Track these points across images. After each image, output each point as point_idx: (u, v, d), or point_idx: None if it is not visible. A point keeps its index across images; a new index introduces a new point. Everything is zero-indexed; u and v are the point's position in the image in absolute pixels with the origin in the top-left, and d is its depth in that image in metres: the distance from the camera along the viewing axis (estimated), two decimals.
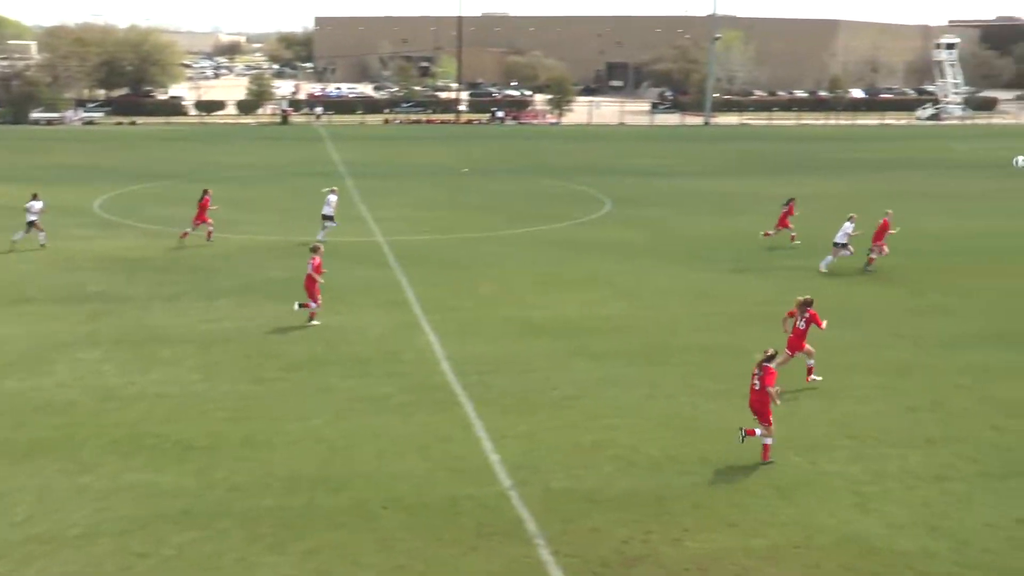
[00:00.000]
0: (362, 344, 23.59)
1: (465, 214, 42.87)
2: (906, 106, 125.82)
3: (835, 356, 22.79)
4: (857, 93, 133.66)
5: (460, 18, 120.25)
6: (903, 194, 50.98)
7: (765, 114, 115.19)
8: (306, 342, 23.67)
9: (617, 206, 45.55)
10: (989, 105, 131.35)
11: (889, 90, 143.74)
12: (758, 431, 17.23)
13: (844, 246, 32.45)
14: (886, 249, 32.86)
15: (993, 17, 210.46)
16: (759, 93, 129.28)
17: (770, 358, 17.28)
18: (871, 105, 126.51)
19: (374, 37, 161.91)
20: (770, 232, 37.17)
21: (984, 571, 13.83)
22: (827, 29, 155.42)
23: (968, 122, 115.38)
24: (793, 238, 36.66)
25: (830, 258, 32.53)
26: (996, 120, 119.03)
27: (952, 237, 38.92)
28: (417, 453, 17.30)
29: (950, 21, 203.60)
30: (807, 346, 21.06)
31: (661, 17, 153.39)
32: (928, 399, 20.35)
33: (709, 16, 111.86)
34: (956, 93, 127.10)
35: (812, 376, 21.25)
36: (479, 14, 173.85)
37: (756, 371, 17.23)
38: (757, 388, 17.16)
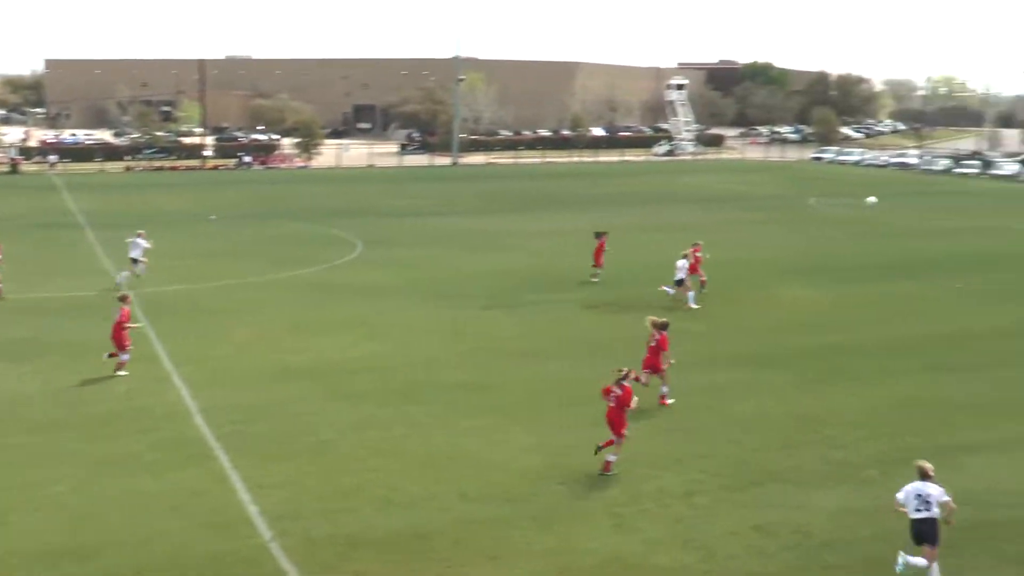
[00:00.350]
0: (108, 402, 22.48)
1: (216, 261, 41.73)
2: (644, 143, 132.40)
3: (588, 387, 23.62)
4: (598, 131, 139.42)
5: (202, 61, 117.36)
6: (640, 227, 53.53)
7: (511, 153, 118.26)
8: (47, 404, 22.33)
9: (369, 248, 45.55)
10: (717, 141, 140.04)
11: (627, 128, 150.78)
12: (611, 457, 18.18)
13: (681, 282, 33.09)
14: (703, 277, 34.35)
15: (716, 60, 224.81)
16: (505, 133, 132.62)
17: (625, 376, 18.40)
18: (611, 143, 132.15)
19: (111, 81, 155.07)
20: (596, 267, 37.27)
21: None
22: (566, 71, 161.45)
23: (700, 158, 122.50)
24: (596, 273, 37.14)
25: (669, 290, 33.27)
26: (724, 155, 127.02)
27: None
28: (171, 512, 16.62)
29: (679, 64, 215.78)
30: (664, 369, 22.30)
31: (406, 60, 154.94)
32: (678, 420, 21.39)
33: (453, 58, 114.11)
34: (688, 130, 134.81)
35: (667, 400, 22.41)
36: (222, 57, 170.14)
37: (613, 389, 18.21)
38: (613, 405, 18.23)
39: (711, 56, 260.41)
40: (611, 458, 18.27)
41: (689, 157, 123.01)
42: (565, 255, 43.59)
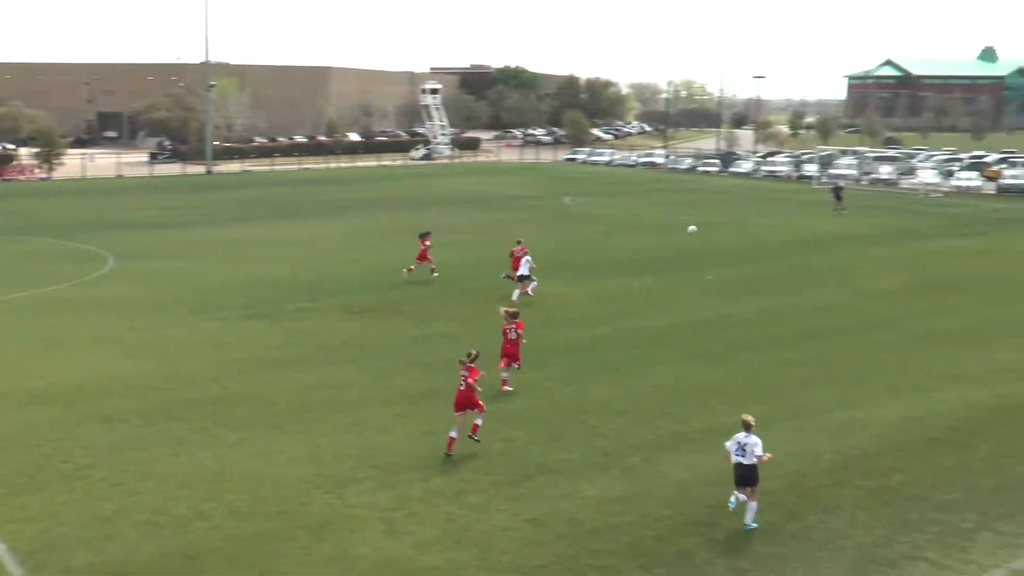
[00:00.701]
0: None
1: None
2: (401, 147, 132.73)
3: (350, 391, 23.58)
4: (354, 136, 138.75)
5: None
6: (399, 230, 53.70)
7: (267, 160, 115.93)
8: None
9: (122, 262, 43.57)
10: (474, 145, 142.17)
11: (384, 133, 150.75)
12: (478, 421, 19.80)
13: (529, 277, 34.89)
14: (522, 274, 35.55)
15: (468, 65, 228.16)
16: (260, 140, 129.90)
17: (473, 359, 19.80)
18: (368, 148, 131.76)
19: None
20: (412, 268, 38.67)
21: (504, 572, 14.96)
22: (319, 75, 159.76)
23: (457, 161, 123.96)
24: (433, 270, 38.68)
25: (518, 292, 34.50)
26: (481, 158, 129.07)
27: (449, 266, 41.52)
28: None
29: (431, 68, 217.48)
30: (519, 358, 23.91)
31: (153, 64, 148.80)
32: (443, 421, 21.56)
33: (202, 63, 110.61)
34: (444, 134, 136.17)
35: (506, 387, 23.84)
36: None
37: (462, 371, 19.61)
38: (463, 388, 19.57)
39: (463, 60, 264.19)
40: (479, 422, 19.91)
41: (446, 160, 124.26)
42: (325, 262, 43.20)
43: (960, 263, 44.30)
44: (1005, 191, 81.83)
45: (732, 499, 16.43)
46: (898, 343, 29.15)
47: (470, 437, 19.85)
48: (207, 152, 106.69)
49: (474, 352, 20.21)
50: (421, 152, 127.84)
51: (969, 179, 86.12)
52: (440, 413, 22.07)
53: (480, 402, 19.92)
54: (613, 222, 57.43)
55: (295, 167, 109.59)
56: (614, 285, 38.01)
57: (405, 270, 39.01)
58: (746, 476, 16.30)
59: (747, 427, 16.40)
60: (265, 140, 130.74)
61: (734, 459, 16.40)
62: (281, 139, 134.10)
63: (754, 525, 16.25)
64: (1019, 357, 27.55)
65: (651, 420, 21.75)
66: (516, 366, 24.11)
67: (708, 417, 22.01)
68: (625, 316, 32.47)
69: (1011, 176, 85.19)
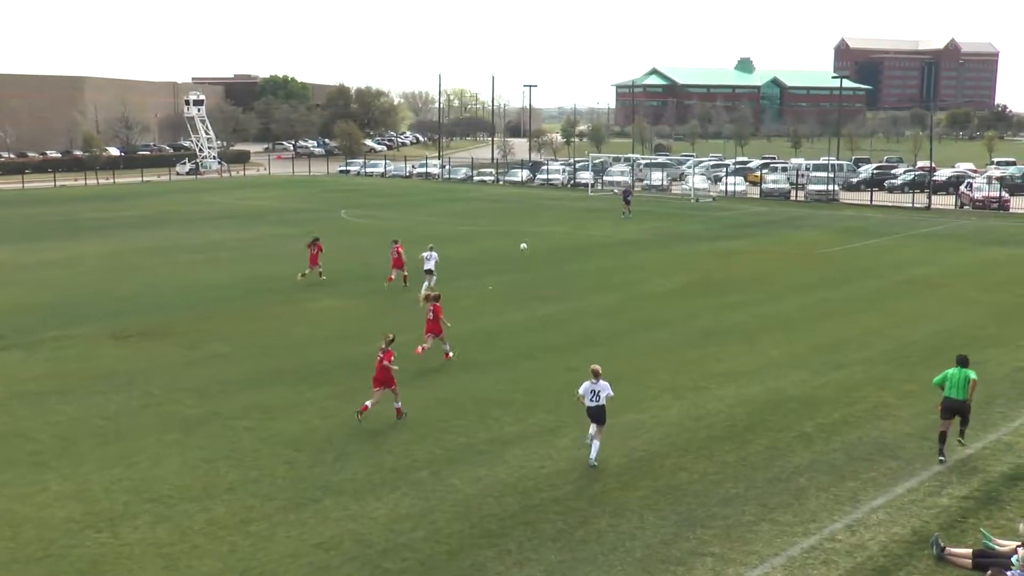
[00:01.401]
0: None
1: None
2: (166, 162, 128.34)
3: (119, 421, 22.59)
4: (114, 151, 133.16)
5: None
6: (167, 249, 51.94)
7: (16, 177, 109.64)
8: None
9: None
10: (243, 158, 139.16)
11: (146, 147, 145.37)
12: (369, 404, 22.08)
13: (432, 272, 38.12)
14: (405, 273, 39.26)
15: (232, 75, 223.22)
16: (7, 155, 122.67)
17: (390, 342, 22.32)
18: (130, 162, 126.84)
19: None
20: (306, 273, 41.00)
21: None
22: (72, 86, 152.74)
23: (226, 175, 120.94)
24: (321, 274, 41.06)
25: (426, 284, 37.31)
26: (251, 172, 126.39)
27: (219, 286, 40.44)
28: None
29: (194, 78, 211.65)
30: (443, 331, 27.56)
31: None
32: (222, 447, 20.95)
33: None
34: (211, 147, 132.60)
35: (450, 355, 27.77)
36: None
37: (380, 354, 22.14)
38: (383, 365, 22.07)
39: (227, 70, 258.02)
40: (398, 405, 22.55)
41: (215, 175, 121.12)
42: (87, 285, 41.21)
43: (730, 264, 46.62)
44: (767, 195, 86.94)
45: (589, 434, 19.88)
46: (676, 343, 30.36)
47: (399, 419, 22.44)
48: None
49: (391, 336, 22.63)
50: (187, 167, 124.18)
51: (735, 184, 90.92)
52: (215, 438, 21.41)
53: (395, 382, 22.35)
54: (391, 234, 57.28)
55: (49, 184, 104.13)
56: (392, 297, 37.90)
57: (312, 273, 41.08)
58: (599, 415, 19.76)
59: (596, 375, 19.80)
60: (13, 156, 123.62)
61: (588, 403, 19.78)
62: (32, 154, 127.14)
63: (596, 463, 19.50)
64: (786, 352, 29.22)
65: (437, 434, 21.79)
66: (441, 338, 27.72)
67: (493, 428, 22.24)
68: (404, 329, 32.39)
69: (772, 180, 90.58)
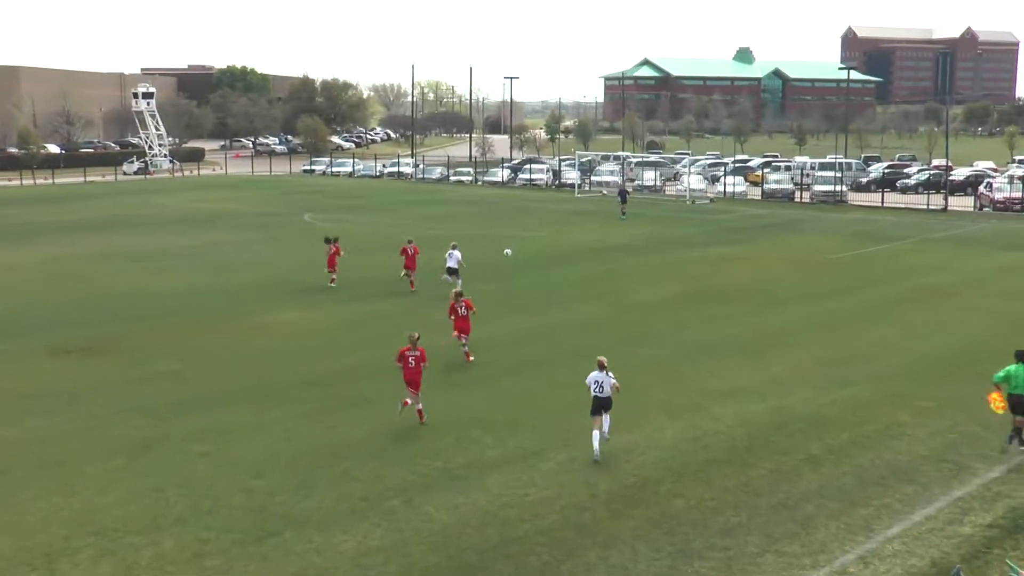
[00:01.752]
0: None
1: None
2: (111, 160, 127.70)
3: (58, 446, 22.39)
4: (54, 148, 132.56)
5: None
6: (112, 256, 51.69)
7: None
8: None
9: None
10: (197, 156, 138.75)
11: (90, 143, 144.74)
12: (409, 400, 23.55)
13: (456, 271, 39.72)
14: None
15: (185, 66, 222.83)
16: None
17: (417, 339, 23.70)
18: (71, 161, 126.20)
19: None
20: (333, 276, 42.13)
21: None
22: (7, 76, 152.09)
23: (178, 175, 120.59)
24: (333, 280, 42.02)
25: (448, 278, 39.43)
26: (207, 171, 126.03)
27: (170, 296, 40.20)
28: None
29: (143, 69, 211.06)
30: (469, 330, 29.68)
31: None
32: (173, 474, 20.77)
33: None
34: (162, 145, 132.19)
35: (470, 358, 29.63)
36: None
37: (411, 351, 23.50)
38: (412, 365, 23.47)
39: (181, 60, 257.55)
40: (420, 406, 23.78)
41: (166, 175, 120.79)
42: (22, 295, 40.93)
43: (728, 271, 46.72)
44: (769, 196, 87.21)
45: (596, 443, 21.34)
46: (670, 358, 30.37)
47: (401, 410, 23.66)
48: None
49: (417, 335, 23.98)
50: (135, 166, 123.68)
51: (735, 184, 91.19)
52: (164, 465, 21.23)
53: (419, 385, 23.67)
54: (359, 239, 57.16)
55: None
56: (360, 309, 37.84)
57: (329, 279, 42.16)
58: (606, 404, 21.61)
59: (602, 367, 21.61)
60: None
61: (593, 393, 21.52)
62: None
63: (608, 438, 21.74)
64: (790, 366, 29.25)
65: (410, 458, 21.68)
66: (465, 338, 29.71)
67: (472, 451, 22.15)
68: (374, 343, 32.30)
69: (774, 181, 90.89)
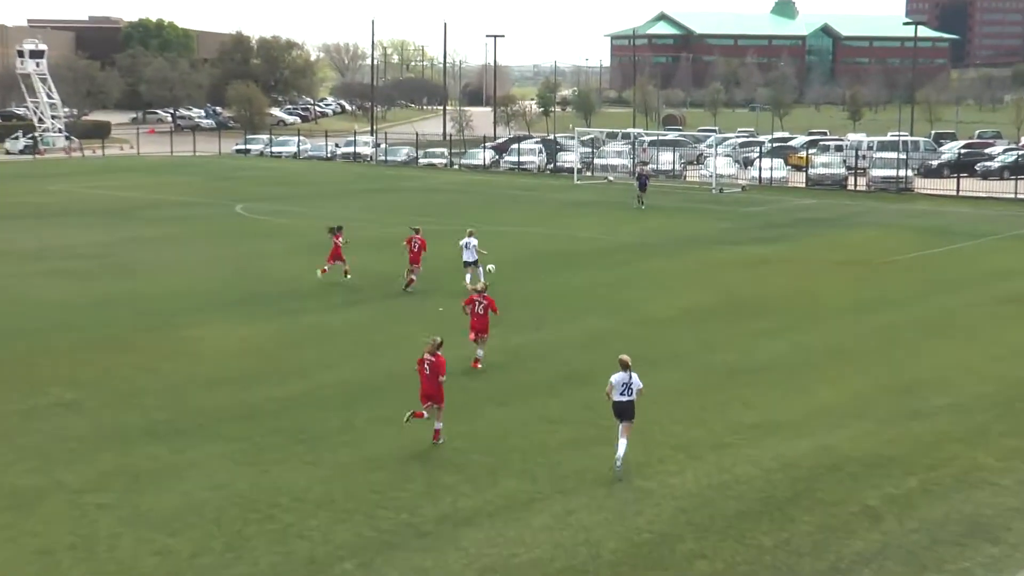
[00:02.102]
0: None
1: None
2: None
3: None
4: None
5: None
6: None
7: None
8: None
9: None
10: (103, 131, 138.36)
11: None
12: (426, 414, 24.73)
13: (475, 263, 42.17)
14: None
15: (85, 17, 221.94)
16: None
17: (438, 346, 24.95)
18: None
19: None
20: (326, 268, 43.89)
21: None
22: None
23: (77, 154, 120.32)
24: (346, 272, 44.03)
25: (470, 276, 41.36)
26: (113, 151, 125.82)
27: (65, 307, 40.02)
28: None
29: (30, 21, 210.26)
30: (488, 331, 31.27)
31: None
32: (67, 532, 20.61)
33: None
34: (55, 117, 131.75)
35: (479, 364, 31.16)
36: None
37: (427, 358, 24.69)
38: (428, 374, 24.65)
39: (79, 11, 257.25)
40: (438, 426, 25.04)
41: (61, 154, 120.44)
42: None
43: (765, 276, 46.78)
44: (816, 183, 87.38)
45: (621, 451, 22.73)
46: (690, 384, 30.34)
47: (408, 418, 24.64)
48: None
49: (438, 339, 25.24)
50: (21, 143, 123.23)
51: (772, 169, 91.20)
52: (57, 521, 21.09)
53: (443, 397, 24.90)
54: (302, 236, 57.08)
55: None
56: (307, 324, 37.71)
57: (319, 271, 43.97)
58: (627, 411, 23.04)
59: (626, 367, 23.00)
60: None
61: (617, 396, 23.04)
62: None
63: (620, 466, 22.58)
64: (842, 394, 29.26)
65: (368, 510, 21.57)
66: (482, 341, 31.31)
67: (444, 501, 22.03)
68: (324, 366, 32.22)
69: (822, 164, 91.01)
